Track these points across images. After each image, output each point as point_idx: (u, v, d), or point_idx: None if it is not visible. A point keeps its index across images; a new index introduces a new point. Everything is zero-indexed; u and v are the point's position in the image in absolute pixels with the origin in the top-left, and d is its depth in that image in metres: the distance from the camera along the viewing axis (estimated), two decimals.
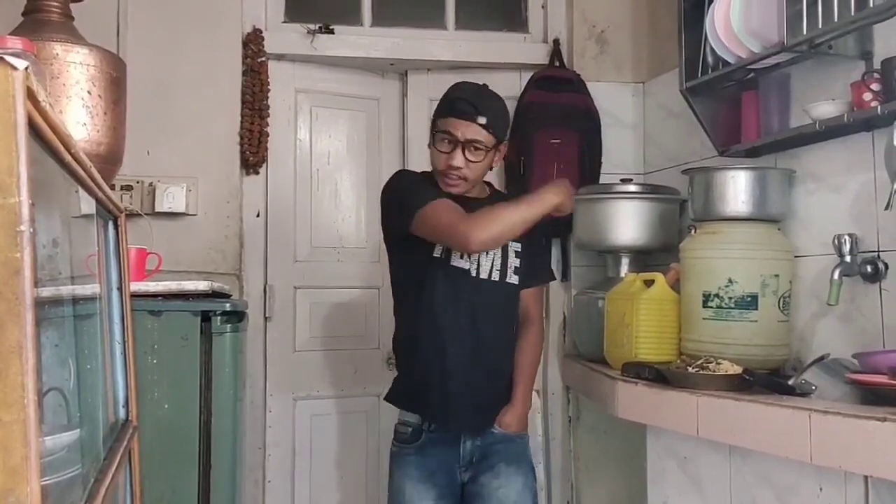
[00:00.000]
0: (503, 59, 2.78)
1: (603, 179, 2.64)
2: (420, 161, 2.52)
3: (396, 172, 1.98)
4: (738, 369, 1.64)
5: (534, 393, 2.74)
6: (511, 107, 2.70)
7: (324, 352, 2.75)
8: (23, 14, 1.68)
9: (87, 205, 1.05)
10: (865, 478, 1.31)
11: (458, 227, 1.71)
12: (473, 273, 1.86)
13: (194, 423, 1.65)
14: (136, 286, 1.60)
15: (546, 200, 1.82)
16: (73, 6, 1.73)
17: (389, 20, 2.77)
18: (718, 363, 1.68)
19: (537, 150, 2.58)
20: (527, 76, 2.73)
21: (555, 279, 2.21)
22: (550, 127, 2.59)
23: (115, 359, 1.22)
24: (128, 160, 1.86)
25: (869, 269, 1.70)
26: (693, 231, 2.02)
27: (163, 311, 1.64)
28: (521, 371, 1.99)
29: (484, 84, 1.92)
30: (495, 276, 1.89)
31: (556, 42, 2.77)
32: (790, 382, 1.54)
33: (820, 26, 1.65)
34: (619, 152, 2.72)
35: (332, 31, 2.68)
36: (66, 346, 0.94)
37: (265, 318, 2.64)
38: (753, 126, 2.04)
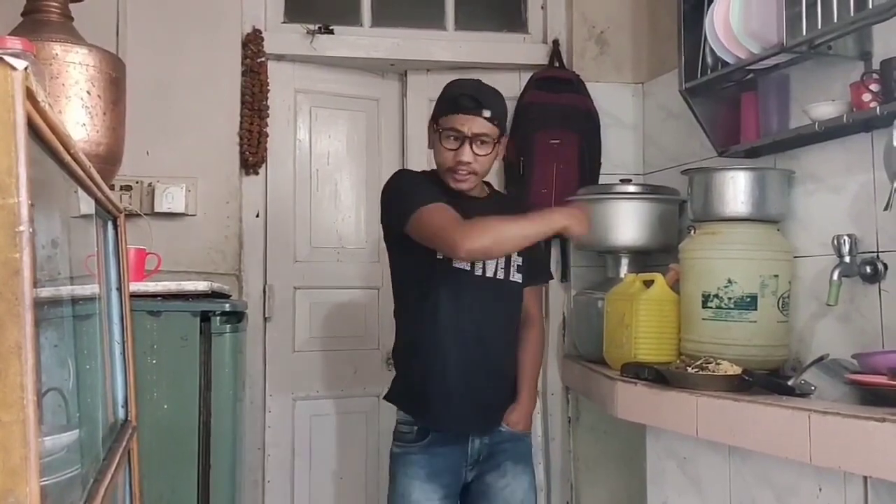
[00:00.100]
0: (503, 60, 2.78)
1: (602, 180, 2.64)
2: (420, 161, 2.53)
3: (396, 172, 1.97)
4: (737, 370, 1.64)
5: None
6: (511, 107, 2.70)
7: (323, 352, 2.75)
8: (22, 14, 1.68)
9: (87, 205, 1.05)
10: (865, 478, 1.31)
11: (449, 233, 1.69)
12: (478, 272, 1.86)
13: (194, 423, 1.65)
14: (136, 286, 1.60)
15: (550, 222, 1.77)
16: (72, 6, 1.73)
17: (389, 20, 2.78)
18: (718, 363, 1.68)
19: (537, 150, 2.58)
20: (526, 77, 2.74)
21: (553, 279, 2.21)
22: (550, 127, 2.59)
23: (114, 359, 1.22)
24: (127, 160, 1.86)
25: (868, 269, 1.71)
26: (692, 231, 2.02)
27: (162, 312, 1.64)
28: (525, 369, 1.99)
29: (479, 79, 1.93)
30: (500, 275, 1.89)
31: (556, 42, 2.78)
32: (789, 383, 1.54)
33: (819, 27, 1.65)
34: (618, 153, 2.72)
35: (331, 32, 2.69)
36: (65, 347, 0.94)
37: (265, 319, 2.64)
38: (753, 127, 2.04)
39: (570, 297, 2.66)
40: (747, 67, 1.94)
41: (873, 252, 1.72)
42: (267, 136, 2.61)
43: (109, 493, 0.93)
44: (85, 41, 1.68)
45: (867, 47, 1.76)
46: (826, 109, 1.75)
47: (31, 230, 0.55)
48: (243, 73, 2.58)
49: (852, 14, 1.60)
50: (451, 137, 1.82)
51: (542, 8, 2.84)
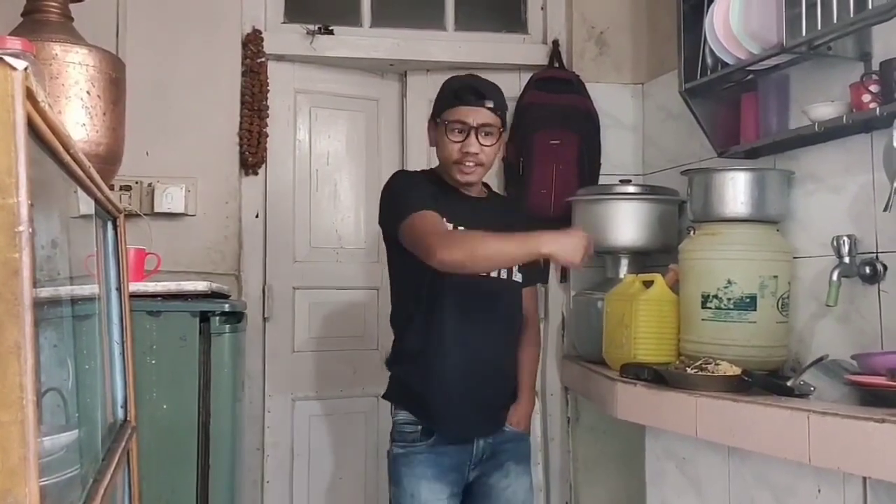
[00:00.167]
0: (502, 60, 2.78)
1: (602, 180, 2.64)
2: (420, 162, 2.52)
3: (394, 174, 1.96)
4: (736, 370, 1.64)
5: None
6: (510, 108, 2.71)
7: (323, 352, 2.75)
8: (22, 14, 1.68)
9: (86, 205, 1.05)
10: (864, 479, 1.31)
11: (428, 241, 1.67)
12: (480, 273, 1.85)
13: (193, 423, 1.65)
14: (135, 286, 1.60)
15: (535, 245, 1.66)
16: (72, 7, 1.73)
17: (389, 21, 2.78)
18: (717, 364, 1.68)
19: (536, 150, 2.58)
20: (526, 77, 2.74)
21: (547, 281, 2.21)
22: (550, 128, 2.59)
23: (113, 359, 1.22)
24: (127, 160, 1.85)
25: (868, 270, 1.71)
26: (692, 232, 2.02)
27: (161, 312, 1.64)
28: (524, 369, 2.01)
29: (477, 74, 1.95)
30: (503, 274, 1.89)
31: (556, 43, 2.78)
32: (789, 383, 1.54)
33: (819, 28, 1.65)
34: (618, 153, 2.72)
35: (331, 32, 2.69)
36: (64, 347, 0.94)
37: (264, 319, 2.64)
38: (752, 127, 2.04)
39: (569, 298, 2.66)
40: (747, 68, 1.94)
41: (873, 253, 1.72)
42: (267, 136, 2.61)
43: (108, 493, 0.93)
44: (85, 41, 1.68)
45: (867, 48, 1.76)
46: (826, 110, 1.75)
47: (30, 230, 0.55)
48: (243, 74, 2.58)
49: (852, 15, 1.60)
50: (457, 130, 1.83)
51: (542, 8, 2.84)
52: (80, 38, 1.68)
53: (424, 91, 2.77)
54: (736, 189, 1.90)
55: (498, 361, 1.92)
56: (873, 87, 1.67)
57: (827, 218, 1.85)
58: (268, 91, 2.61)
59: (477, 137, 1.82)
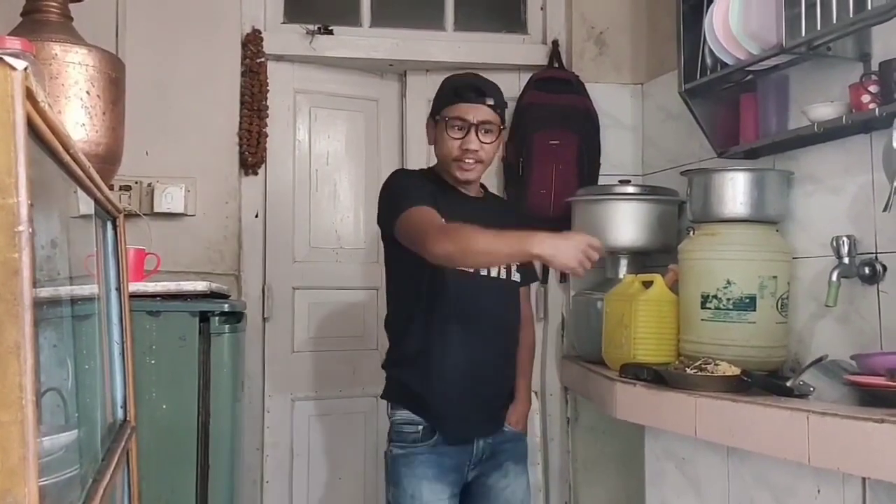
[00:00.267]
0: (502, 61, 2.78)
1: (602, 181, 2.64)
2: (419, 162, 2.52)
3: (392, 173, 1.96)
4: (736, 370, 1.64)
5: (532, 394, 2.76)
6: (510, 108, 2.71)
7: (322, 352, 2.75)
8: (21, 14, 1.68)
9: (86, 205, 1.05)
10: (863, 479, 1.31)
11: (422, 234, 1.66)
12: (483, 271, 1.86)
13: (192, 423, 1.65)
14: (135, 286, 1.60)
15: (527, 246, 1.59)
16: (71, 6, 1.73)
17: (388, 21, 2.78)
18: (717, 364, 1.68)
19: (536, 151, 2.58)
20: (526, 77, 2.74)
21: (538, 279, 2.21)
22: (549, 128, 2.59)
23: (113, 359, 1.22)
24: (126, 160, 1.85)
25: (867, 270, 1.71)
26: (691, 232, 2.02)
27: (161, 312, 1.64)
28: (521, 369, 2.02)
29: (477, 73, 1.96)
30: (503, 274, 1.90)
31: (555, 43, 2.78)
32: (788, 384, 1.54)
33: (818, 28, 1.65)
34: (617, 153, 2.72)
35: (331, 32, 2.69)
36: (64, 347, 0.94)
37: (263, 319, 2.64)
38: (752, 128, 2.04)
39: (568, 298, 2.66)
40: (746, 68, 1.94)
41: (872, 253, 1.72)
42: (266, 136, 2.61)
43: (108, 493, 0.93)
44: (84, 41, 1.68)
45: (866, 48, 1.76)
46: (825, 111, 1.75)
47: (30, 230, 0.55)
48: (243, 74, 2.58)
49: (851, 15, 1.60)
50: (457, 127, 1.83)
51: (542, 9, 2.84)
52: (80, 38, 1.68)
53: (424, 91, 2.77)
54: (735, 189, 1.90)
55: (498, 361, 1.92)
56: (873, 88, 1.67)
57: (826, 218, 1.85)
58: (267, 91, 2.61)
59: (477, 134, 1.82)
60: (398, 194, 1.80)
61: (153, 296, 1.68)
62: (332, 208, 2.81)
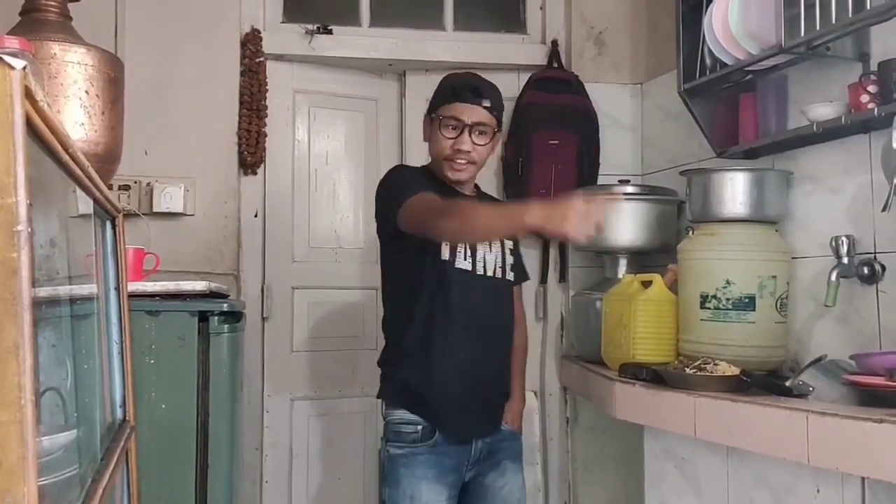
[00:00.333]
0: (501, 60, 2.78)
1: (601, 180, 2.64)
2: (418, 161, 2.51)
3: (390, 169, 1.95)
4: (735, 370, 1.65)
5: (531, 393, 2.76)
6: (509, 108, 2.71)
7: (321, 352, 2.75)
8: (20, 13, 1.68)
9: (85, 205, 1.05)
10: (862, 479, 1.31)
11: (427, 214, 1.65)
12: (480, 271, 1.86)
13: (192, 423, 1.64)
14: (134, 286, 1.60)
15: (521, 218, 1.52)
16: (70, 6, 1.73)
17: (388, 21, 2.78)
18: (716, 364, 1.68)
19: (535, 150, 2.58)
20: (525, 77, 2.74)
21: (529, 279, 2.18)
22: (549, 128, 2.59)
23: (112, 359, 1.22)
24: (125, 160, 1.85)
25: (866, 270, 1.71)
26: (691, 232, 2.02)
27: (160, 311, 1.64)
28: (516, 367, 2.03)
29: (476, 72, 1.95)
30: (498, 274, 1.90)
31: (555, 43, 2.78)
32: (787, 384, 1.54)
33: (818, 28, 1.65)
34: (617, 153, 2.72)
35: (330, 32, 2.69)
36: (63, 346, 0.94)
37: (263, 319, 2.64)
38: (751, 128, 2.04)
39: (568, 298, 2.66)
40: (746, 68, 1.94)
41: (871, 253, 1.72)
42: (265, 135, 2.61)
43: (107, 492, 0.93)
44: (83, 41, 1.68)
45: (865, 48, 1.76)
46: (824, 110, 1.75)
47: (29, 230, 0.55)
48: (242, 73, 2.58)
49: (850, 15, 1.60)
50: (451, 126, 1.82)
51: (541, 8, 2.84)
52: (79, 38, 1.68)
53: (423, 91, 2.76)
54: (734, 189, 1.90)
55: (495, 360, 1.92)
56: (872, 88, 1.67)
57: (825, 218, 1.85)
58: (266, 91, 2.61)
59: (470, 135, 1.82)
60: (400, 185, 1.79)
61: (152, 295, 1.68)
62: (331, 208, 2.81)
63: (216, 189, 2.55)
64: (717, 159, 2.17)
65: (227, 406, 1.70)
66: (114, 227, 1.25)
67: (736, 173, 1.91)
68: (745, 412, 1.49)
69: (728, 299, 1.83)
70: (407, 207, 1.70)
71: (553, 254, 2.75)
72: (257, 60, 2.59)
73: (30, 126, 0.59)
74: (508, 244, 1.95)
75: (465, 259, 1.84)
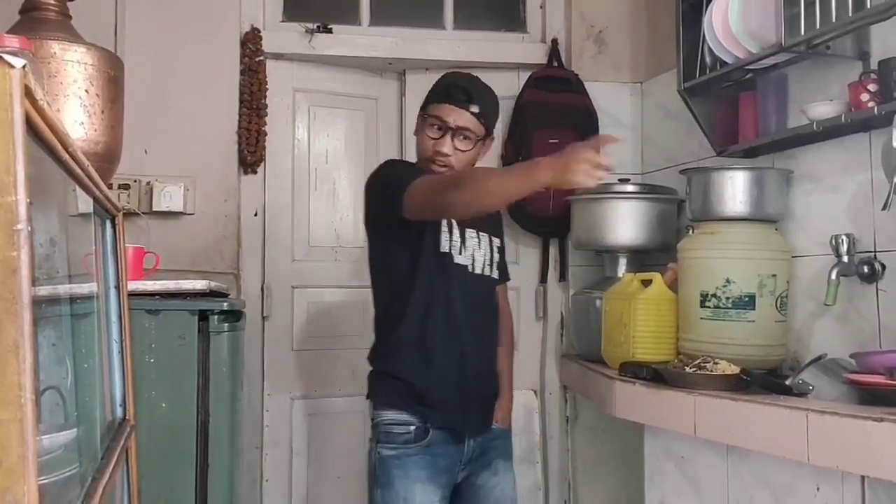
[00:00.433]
0: (501, 59, 2.78)
1: None
2: None
3: (386, 161, 1.92)
4: (735, 369, 1.65)
5: (531, 392, 2.76)
6: (509, 107, 2.71)
7: (321, 351, 2.75)
8: (20, 12, 1.68)
9: (85, 204, 1.05)
10: (862, 478, 1.31)
11: (437, 191, 1.62)
12: (470, 269, 1.85)
13: (192, 422, 1.65)
14: (134, 285, 1.60)
15: (535, 178, 1.49)
16: (70, 5, 1.73)
17: (388, 20, 2.78)
18: (716, 363, 1.68)
19: (535, 149, 2.58)
20: (525, 76, 2.73)
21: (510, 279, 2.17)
22: (549, 127, 2.59)
23: (112, 358, 1.22)
24: (125, 159, 1.85)
25: (866, 269, 1.71)
26: (691, 231, 2.02)
27: (160, 310, 1.64)
28: (504, 365, 2.02)
29: (476, 75, 1.90)
30: (486, 271, 1.88)
31: (555, 42, 2.78)
32: (787, 382, 1.55)
33: (818, 27, 1.65)
34: (616, 152, 2.71)
35: (330, 31, 2.68)
36: (63, 345, 0.94)
37: (263, 318, 2.64)
38: (751, 126, 2.04)
39: (568, 297, 2.66)
40: (746, 67, 1.94)
41: (871, 252, 1.72)
42: (265, 134, 2.61)
43: (107, 491, 0.93)
44: (83, 39, 1.68)
45: (865, 47, 1.76)
46: (824, 109, 1.75)
47: (29, 228, 0.55)
48: (242, 72, 2.58)
49: (850, 14, 1.60)
50: (435, 126, 1.79)
51: (541, 7, 2.84)
52: (79, 37, 1.68)
53: (423, 90, 2.72)
54: (734, 188, 1.90)
55: (487, 357, 1.91)
56: (872, 87, 1.67)
57: (825, 217, 1.85)
58: (266, 90, 2.61)
59: (453, 139, 1.78)
60: (398, 174, 1.76)
61: (152, 294, 1.68)
62: (331, 207, 2.80)
63: (216, 188, 2.55)
64: (717, 158, 2.17)
65: (227, 405, 1.70)
66: (114, 226, 1.25)
67: (736, 172, 1.91)
68: (745, 411, 1.49)
69: (728, 298, 1.83)
70: (412, 190, 1.66)
71: (553, 252, 2.75)
72: (257, 59, 2.59)
73: (29, 125, 0.59)
74: (496, 242, 1.93)
75: (462, 254, 1.83)
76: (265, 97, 2.60)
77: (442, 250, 1.80)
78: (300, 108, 2.76)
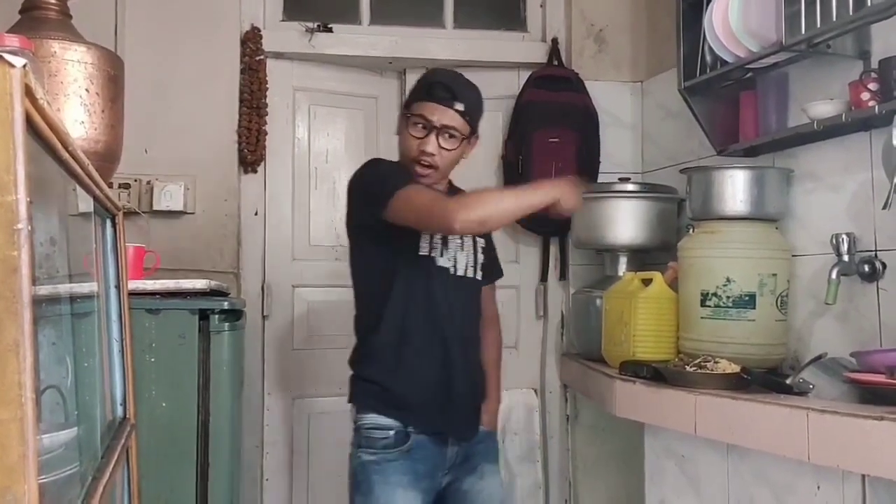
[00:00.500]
0: (501, 58, 2.78)
1: (601, 178, 2.64)
2: None
3: (370, 160, 1.86)
4: (735, 368, 1.65)
5: (531, 391, 2.76)
6: (509, 106, 2.72)
7: (322, 350, 2.74)
8: (20, 11, 1.68)
9: (85, 203, 1.05)
10: (863, 476, 1.31)
11: (441, 205, 1.61)
12: (452, 271, 1.80)
13: (192, 421, 1.65)
14: (134, 284, 1.60)
15: (542, 195, 1.67)
16: (70, 4, 1.73)
17: (388, 19, 2.77)
18: (716, 362, 1.68)
19: (535, 149, 2.58)
20: (525, 75, 2.73)
21: (503, 275, 2.14)
22: (549, 126, 2.59)
23: (112, 357, 1.22)
24: (126, 158, 1.85)
25: (866, 268, 1.71)
26: (691, 230, 2.02)
27: (161, 310, 1.64)
28: (491, 367, 1.96)
29: (460, 72, 1.87)
30: (469, 273, 1.83)
31: (555, 41, 2.78)
32: (788, 381, 1.55)
33: (818, 26, 1.65)
34: (617, 151, 2.72)
35: (330, 30, 2.68)
36: (63, 345, 0.94)
37: (263, 317, 2.64)
38: (751, 125, 2.04)
39: (568, 296, 2.66)
40: (746, 66, 1.94)
41: (871, 251, 1.72)
42: (265, 134, 2.61)
43: (108, 491, 0.93)
44: (83, 39, 1.68)
45: (866, 46, 1.76)
46: (825, 108, 1.75)
47: (29, 228, 0.55)
48: (242, 71, 2.58)
49: (851, 13, 1.60)
50: (419, 126, 1.74)
51: (541, 6, 2.84)
52: (79, 36, 1.68)
53: None
54: (735, 187, 1.90)
55: (471, 360, 1.86)
56: (872, 86, 1.67)
57: (826, 216, 1.85)
58: (267, 89, 2.61)
59: (437, 138, 1.73)
60: (384, 177, 1.72)
61: (152, 294, 1.68)
62: (331, 206, 2.80)
63: (216, 187, 2.55)
64: (717, 157, 2.17)
65: (227, 404, 1.70)
66: (114, 225, 1.25)
67: (736, 171, 1.91)
68: (746, 410, 1.49)
69: (728, 297, 1.83)
70: (401, 200, 1.64)
71: (553, 252, 2.75)
72: (257, 58, 2.59)
73: (30, 124, 0.59)
74: (480, 242, 1.88)
75: (443, 256, 1.78)
76: (265, 96, 2.60)
77: (423, 253, 1.76)
78: (300, 107, 2.76)
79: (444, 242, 1.79)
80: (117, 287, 1.23)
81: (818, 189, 1.89)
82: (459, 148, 1.78)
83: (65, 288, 0.95)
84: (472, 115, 1.78)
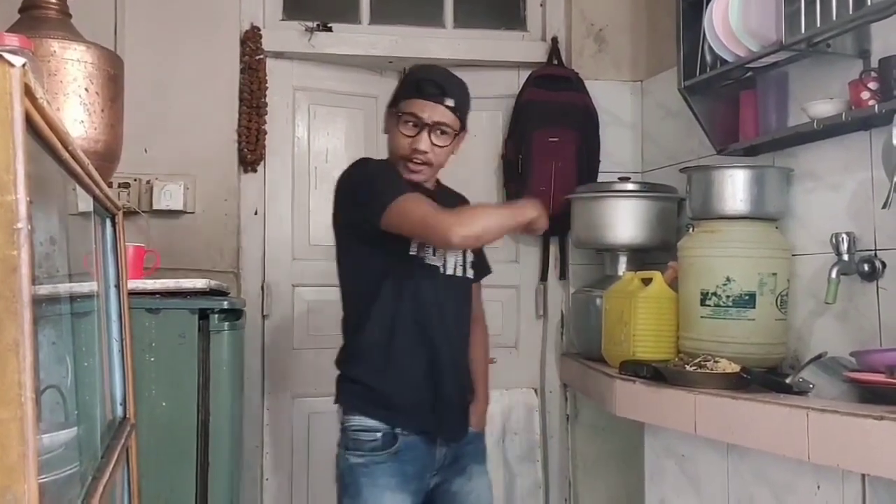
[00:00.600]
0: (501, 58, 2.78)
1: (601, 178, 2.64)
2: None
3: (356, 162, 1.82)
4: (735, 367, 1.65)
5: (531, 391, 2.76)
6: (509, 105, 2.72)
7: (322, 350, 2.74)
8: (20, 11, 1.68)
9: (85, 202, 1.05)
10: (863, 476, 1.31)
11: (439, 220, 1.60)
12: (442, 270, 1.79)
13: (192, 421, 1.65)
14: (134, 284, 1.60)
15: (523, 213, 1.73)
16: (70, 3, 1.73)
17: (388, 18, 2.77)
18: (716, 361, 1.68)
19: (535, 148, 2.58)
20: (525, 74, 2.73)
21: (492, 272, 2.13)
22: (549, 125, 2.59)
23: (112, 357, 1.22)
24: (125, 158, 1.85)
25: (866, 267, 1.71)
26: (691, 229, 2.02)
27: (160, 309, 1.64)
28: (478, 367, 1.95)
29: (446, 68, 1.86)
30: (459, 272, 1.82)
31: (555, 40, 2.77)
32: (788, 381, 1.55)
33: (818, 25, 1.65)
34: (617, 150, 2.72)
35: (330, 29, 2.68)
36: (63, 344, 0.94)
37: (263, 316, 2.64)
38: (751, 125, 2.04)
39: (568, 295, 2.66)
40: (746, 65, 1.94)
41: (871, 250, 1.72)
42: (265, 133, 2.61)
43: (108, 490, 0.93)
44: (83, 38, 1.68)
45: (866, 45, 1.76)
46: (825, 107, 1.75)
47: (29, 227, 0.55)
48: (242, 71, 2.58)
49: (851, 12, 1.60)
50: (410, 123, 1.73)
51: (541, 5, 2.84)
52: (79, 35, 1.68)
53: None
54: (735, 186, 1.90)
55: (461, 360, 1.84)
56: (872, 85, 1.67)
57: (826, 215, 1.85)
58: (266, 88, 2.60)
59: (429, 135, 1.72)
60: (378, 182, 1.70)
61: (152, 293, 1.68)
62: (331, 205, 2.79)
63: (216, 187, 2.55)
64: (717, 156, 2.17)
65: (227, 404, 1.70)
66: (114, 224, 1.25)
67: (736, 170, 1.91)
68: (746, 409, 1.49)
69: (728, 296, 1.83)
70: (398, 209, 1.62)
71: (553, 251, 2.75)
72: (257, 58, 2.59)
73: (29, 123, 0.59)
74: None
75: (434, 255, 1.77)
76: (265, 96, 2.60)
77: (412, 252, 1.74)
78: (300, 106, 2.76)
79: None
80: (117, 286, 1.23)
81: (818, 188, 1.89)
82: (451, 144, 1.77)
83: (65, 287, 0.94)
84: (462, 110, 1.77)
